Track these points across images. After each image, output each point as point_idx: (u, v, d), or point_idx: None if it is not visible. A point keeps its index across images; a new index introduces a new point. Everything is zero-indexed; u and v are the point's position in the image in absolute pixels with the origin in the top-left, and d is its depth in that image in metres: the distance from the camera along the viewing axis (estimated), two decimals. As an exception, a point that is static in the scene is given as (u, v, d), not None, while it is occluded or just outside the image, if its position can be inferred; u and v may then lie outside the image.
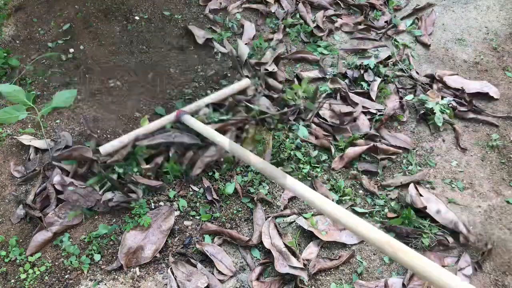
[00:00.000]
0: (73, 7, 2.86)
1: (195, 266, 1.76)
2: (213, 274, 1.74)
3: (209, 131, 1.92)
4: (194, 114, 2.17)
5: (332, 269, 1.78)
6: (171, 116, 2.15)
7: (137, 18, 2.81)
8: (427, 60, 2.70)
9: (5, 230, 1.87)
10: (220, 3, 2.96)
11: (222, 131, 2.06)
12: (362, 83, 2.52)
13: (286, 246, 1.79)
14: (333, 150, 2.16)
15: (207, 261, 1.80)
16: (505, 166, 2.14)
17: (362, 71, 2.57)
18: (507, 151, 2.19)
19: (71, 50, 2.64)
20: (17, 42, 2.70)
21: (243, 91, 2.36)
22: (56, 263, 1.78)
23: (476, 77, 2.57)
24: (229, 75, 2.54)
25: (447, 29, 2.89)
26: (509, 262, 1.78)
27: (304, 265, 1.75)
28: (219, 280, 1.72)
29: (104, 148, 2.02)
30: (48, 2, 2.89)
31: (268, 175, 1.56)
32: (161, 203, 1.97)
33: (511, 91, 2.49)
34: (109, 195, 1.90)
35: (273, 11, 2.94)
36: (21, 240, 1.84)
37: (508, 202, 1.98)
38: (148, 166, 1.99)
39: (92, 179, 1.95)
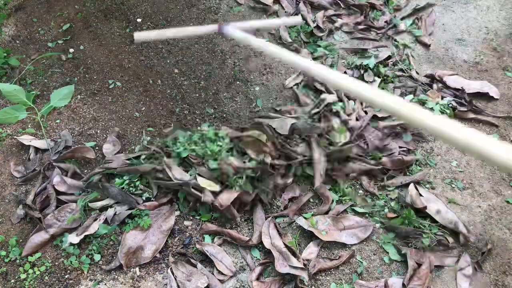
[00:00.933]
0: (73, 7, 2.86)
1: (195, 266, 1.76)
2: (213, 274, 1.74)
3: (250, 39, 1.76)
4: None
5: (332, 269, 1.78)
6: (213, 27, 1.93)
7: (139, 20, 2.81)
8: (427, 60, 2.70)
9: (5, 230, 1.87)
10: (220, 3, 2.96)
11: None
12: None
13: (286, 246, 1.79)
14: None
15: (207, 261, 1.80)
16: (505, 166, 2.14)
17: (362, 71, 2.56)
18: (507, 151, 2.19)
19: (71, 50, 2.64)
20: (17, 42, 2.70)
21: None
22: (56, 263, 1.78)
23: (476, 77, 2.57)
24: None
25: (447, 29, 2.89)
26: (509, 262, 1.78)
27: (304, 265, 1.75)
28: (219, 280, 1.72)
29: (139, 35, 1.90)
30: (48, 2, 2.89)
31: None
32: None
33: (511, 91, 2.49)
34: (110, 212, 1.89)
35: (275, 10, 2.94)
36: (21, 240, 1.84)
37: (508, 202, 1.98)
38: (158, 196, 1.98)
39: (71, 216, 1.88)
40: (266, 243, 1.80)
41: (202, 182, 1.86)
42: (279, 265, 1.71)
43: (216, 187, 1.85)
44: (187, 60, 2.63)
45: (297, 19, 2.28)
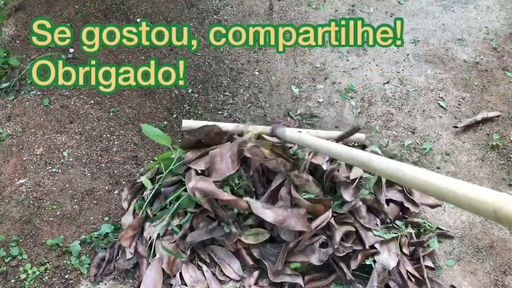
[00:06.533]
0: (73, 7, 2.86)
1: (200, 268, 1.74)
2: (216, 277, 1.72)
3: (308, 141, 1.70)
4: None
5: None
6: (267, 128, 1.98)
7: (139, 20, 2.81)
8: (427, 60, 2.70)
9: (5, 230, 1.87)
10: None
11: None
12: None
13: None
14: None
15: (214, 263, 1.78)
16: (505, 166, 2.14)
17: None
18: (507, 151, 2.19)
19: (71, 50, 2.64)
20: (17, 42, 2.70)
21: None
22: (56, 263, 1.78)
23: (476, 77, 2.57)
24: None
25: (447, 29, 2.89)
26: (509, 262, 1.78)
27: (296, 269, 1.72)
28: (221, 280, 1.72)
29: (186, 123, 1.99)
30: (48, 2, 2.89)
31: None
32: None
33: (511, 91, 2.49)
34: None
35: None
36: (21, 240, 1.84)
37: None
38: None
39: None
40: (256, 251, 1.75)
41: (247, 237, 1.73)
42: (272, 274, 1.69)
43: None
44: (190, 62, 2.63)
45: (361, 136, 2.10)
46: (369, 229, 1.75)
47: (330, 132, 2.10)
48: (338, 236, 1.67)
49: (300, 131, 1.99)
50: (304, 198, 1.71)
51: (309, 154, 1.83)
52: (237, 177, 1.80)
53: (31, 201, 1.96)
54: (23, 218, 1.90)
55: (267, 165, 1.79)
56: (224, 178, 1.76)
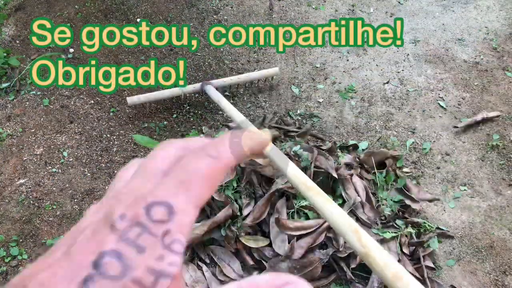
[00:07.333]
0: (73, 7, 2.86)
1: (200, 268, 1.75)
2: (217, 277, 1.72)
3: (227, 106, 1.97)
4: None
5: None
6: (197, 86, 2.30)
7: (139, 20, 2.81)
8: (427, 60, 2.70)
9: (5, 230, 1.87)
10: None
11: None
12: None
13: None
14: None
15: (214, 263, 1.78)
16: (505, 166, 2.14)
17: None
18: (507, 151, 2.19)
19: (71, 50, 2.64)
20: (17, 42, 2.70)
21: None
22: (56, 263, 1.78)
23: (476, 77, 2.57)
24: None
25: (447, 29, 2.89)
26: (509, 262, 1.78)
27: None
28: (219, 280, 1.72)
29: (131, 100, 2.22)
30: (48, 2, 2.90)
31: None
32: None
33: (511, 91, 2.49)
34: None
35: None
36: (21, 240, 1.84)
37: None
38: None
39: None
40: (256, 252, 1.74)
41: (247, 240, 1.73)
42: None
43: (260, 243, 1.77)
44: (190, 62, 2.63)
45: (275, 70, 2.43)
46: (370, 227, 1.76)
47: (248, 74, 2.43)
48: (342, 239, 1.67)
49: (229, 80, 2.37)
50: (300, 207, 1.73)
51: (312, 157, 1.83)
52: (235, 181, 1.80)
53: (31, 201, 1.96)
54: (23, 218, 1.91)
55: (263, 173, 1.79)
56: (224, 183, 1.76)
